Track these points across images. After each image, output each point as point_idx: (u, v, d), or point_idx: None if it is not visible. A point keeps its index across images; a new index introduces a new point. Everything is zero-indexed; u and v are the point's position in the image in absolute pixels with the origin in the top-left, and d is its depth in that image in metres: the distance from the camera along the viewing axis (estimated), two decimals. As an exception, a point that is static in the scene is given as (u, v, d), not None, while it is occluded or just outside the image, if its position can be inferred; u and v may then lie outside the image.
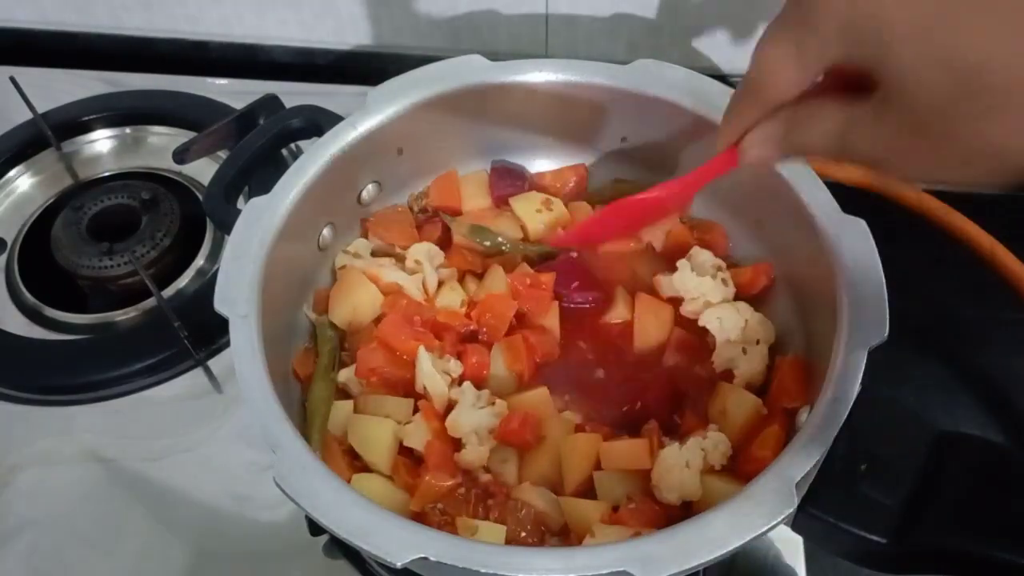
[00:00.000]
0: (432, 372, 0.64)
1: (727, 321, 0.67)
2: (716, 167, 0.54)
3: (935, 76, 0.35)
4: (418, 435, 0.63)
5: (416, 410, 0.65)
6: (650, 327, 0.69)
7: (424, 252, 0.72)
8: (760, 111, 0.46)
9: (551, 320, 0.69)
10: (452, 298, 0.70)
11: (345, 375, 0.67)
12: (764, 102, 0.45)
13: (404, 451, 0.63)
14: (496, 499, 0.61)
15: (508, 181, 0.77)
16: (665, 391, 0.66)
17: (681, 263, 0.70)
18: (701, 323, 0.68)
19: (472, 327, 0.69)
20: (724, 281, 0.70)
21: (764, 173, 0.66)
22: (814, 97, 0.43)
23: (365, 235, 0.76)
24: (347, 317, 0.69)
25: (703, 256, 0.71)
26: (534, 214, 0.75)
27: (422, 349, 0.65)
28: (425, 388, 0.64)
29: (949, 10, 0.34)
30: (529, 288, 0.70)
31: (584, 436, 0.64)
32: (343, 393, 0.68)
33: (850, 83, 0.41)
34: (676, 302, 0.70)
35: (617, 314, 0.70)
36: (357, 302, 0.69)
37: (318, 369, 0.67)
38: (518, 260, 0.73)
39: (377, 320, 0.69)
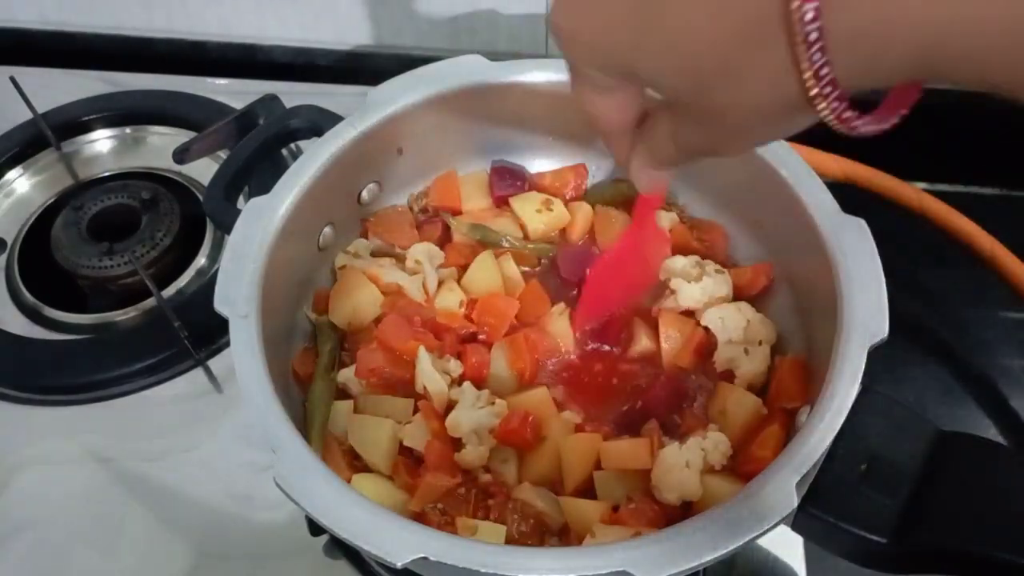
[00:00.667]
0: (432, 372, 0.64)
1: (729, 321, 0.67)
2: (645, 204, 0.56)
3: (670, 67, 0.37)
4: (418, 435, 0.63)
5: (416, 410, 0.65)
6: (677, 345, 0.68)
7: (424, 252, 0.72)
8: (616, 140, 0.47)
9: (559, 324, 0.69)
10: (451, 299, 0.70)
11: (345, 375, 0.67)
12: (610, 134, 0.47)
13: (404, 451, 0.63)
14: (496, 499, 0.61)
15: (508, 181, 0.77)
16: (665, 391, 0.66)
17: (673, 283, 0.69)
18: (704, 323, 0.68)
19: (471, 329, 0.69)
20: (717, 271, 0.70)
21: (764, 173, 0.66)
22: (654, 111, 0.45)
23: (365, 235, 0.76)
24: (347, 317, 0.69)
25: (678, 263, 0.70)
26: (534, 214, 0.75)
27: (422, 349, 0.65)
28: (425, 388, 0.64)
29: (638, 33, 0.37)
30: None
31: (584, 436, 0.64)
32: (343, 393, 0.67)
33: None
34: (690, 312, 0.70)
35: (642, 347, 0.69)
36: (357, 302, 0.69)
37: (318, 369, 0.67)
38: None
39: (377, 320, 0.69)
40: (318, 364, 0.68)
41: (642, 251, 0.62)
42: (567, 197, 0.77)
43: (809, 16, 0.32)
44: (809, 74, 0.33)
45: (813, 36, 0.32)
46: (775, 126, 0.38)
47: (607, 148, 0.48)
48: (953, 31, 0.31)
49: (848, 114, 0.35)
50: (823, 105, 0.35)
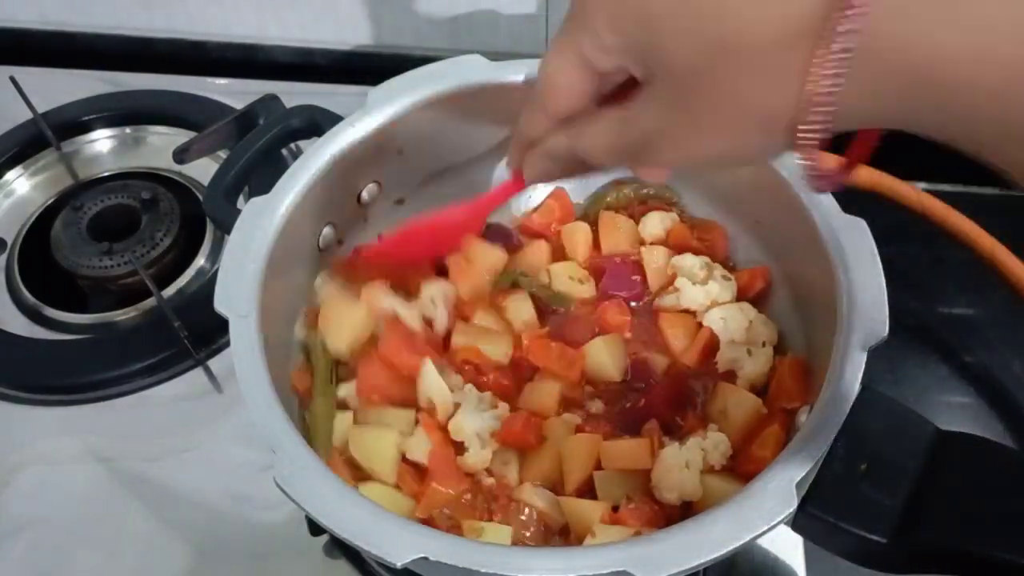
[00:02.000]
0: (440, 385, 0.63)
1: (731, 321, 0.67)
2: (506, 190, 0.55)
3: (693, 43, 0.36)
4: (420, 447, 0.62)
5: (417, 421, 0.64)
6: (684, 344, 0.68)
7: (440, 292, 0.68)
8: (545, 124, 0.46)
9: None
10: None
11: (345, 391, 0.66)
12: (549, 113, 0.45)
13: (407, 459, 0.63)
14: (499, 502, 0.61)
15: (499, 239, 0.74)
16: (666, 391, 0.66)
17: (678, 282, 0.69)
18: (705, 323, 0.68)
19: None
20: (724, 277, 0.70)
21: (764, 173, 0.66)
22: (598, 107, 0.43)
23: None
24: (340, 344, 0.66)
25: (687, 262, 0.70)
26: (566, 279, 0.72)
27: (429, 362, 0.64)
28: (430, 401, 0.63)
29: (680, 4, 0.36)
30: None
31: (584, 436, 0.63)
32: (343, 405, 0.66)
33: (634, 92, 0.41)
34: (690, 313, 0.69)
35: (663, 367, 0.68)
36: (347, 326, 0.66)
37: (316, 384, 0.66)
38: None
39: (371, 341, 0.66)
40: (315, 378, 0.66)
41: (459, 230, 0.63)
42: (559, 223, 0.75)
43: (843, 29, 0.32)
44: (816, 85, 0.33)
45: (836, 47, 0.32)
46: (747, 136, 0.38)
47: (518, 123, 0.47)
48: (962, 65, 0.31)
49: (815, 154, 0.35)
50: (807, 134, 0.35)
